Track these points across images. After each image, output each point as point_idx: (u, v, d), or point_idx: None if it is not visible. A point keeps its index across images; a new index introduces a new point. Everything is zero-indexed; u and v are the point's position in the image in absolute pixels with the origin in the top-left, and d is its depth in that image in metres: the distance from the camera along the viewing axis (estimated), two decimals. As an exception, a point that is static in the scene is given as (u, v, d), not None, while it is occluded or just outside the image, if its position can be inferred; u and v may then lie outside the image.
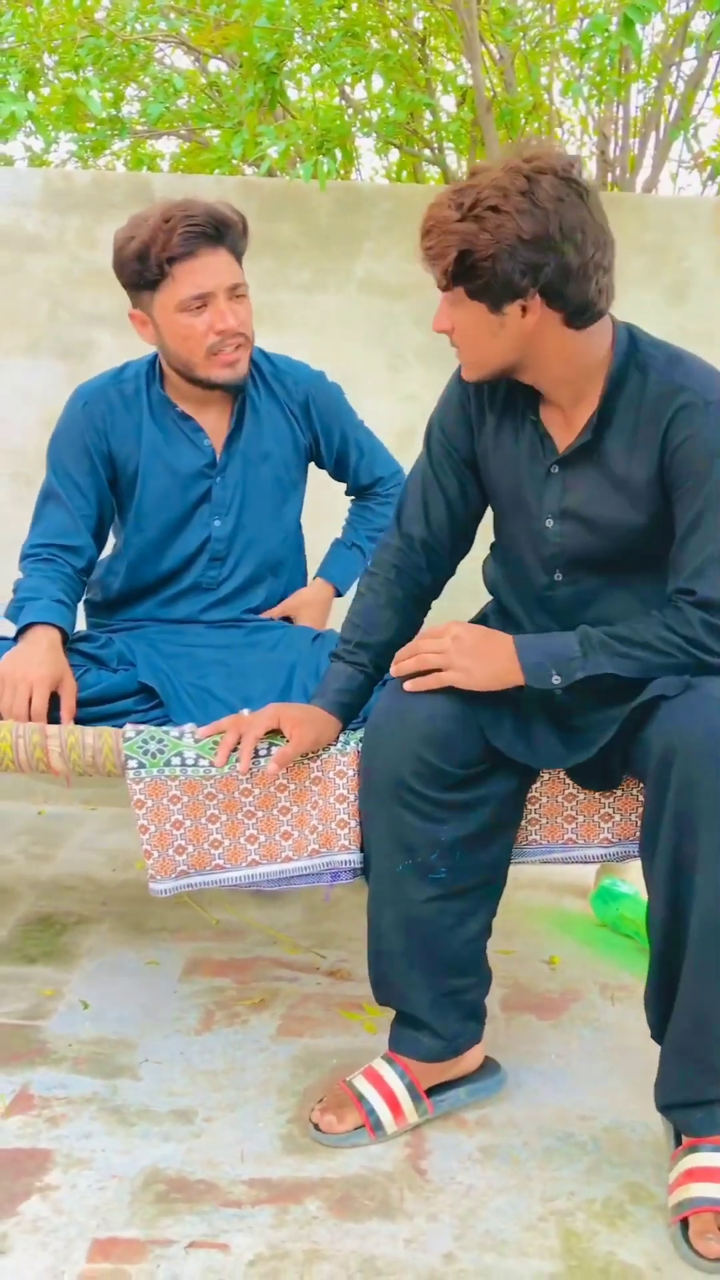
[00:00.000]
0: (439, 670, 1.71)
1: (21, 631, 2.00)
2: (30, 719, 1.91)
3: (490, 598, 1.98)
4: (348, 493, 2.44)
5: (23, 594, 2.05)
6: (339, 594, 2.38)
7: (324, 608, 2.36)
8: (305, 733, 1.80)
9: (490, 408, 1.81)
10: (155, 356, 2.17)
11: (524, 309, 1.60)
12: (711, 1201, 1.56)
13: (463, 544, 1.92)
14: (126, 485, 2.16)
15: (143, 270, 2.01)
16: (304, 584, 2.35)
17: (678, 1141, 1.67)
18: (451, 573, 1.94)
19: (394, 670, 1.76)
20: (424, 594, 1.92)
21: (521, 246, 1.55)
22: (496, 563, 1.93)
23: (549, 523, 1.76)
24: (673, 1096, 1.67)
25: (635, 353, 1.69)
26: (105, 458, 2.14)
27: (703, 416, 1.62)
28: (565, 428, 1.74)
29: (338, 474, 2.37)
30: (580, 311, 1.62)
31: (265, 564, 2.23)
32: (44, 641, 1.97)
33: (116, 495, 2.19)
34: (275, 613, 2.28)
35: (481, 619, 1.96)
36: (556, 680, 1.67)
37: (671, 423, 1.64)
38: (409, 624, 1.91)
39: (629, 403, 1.68)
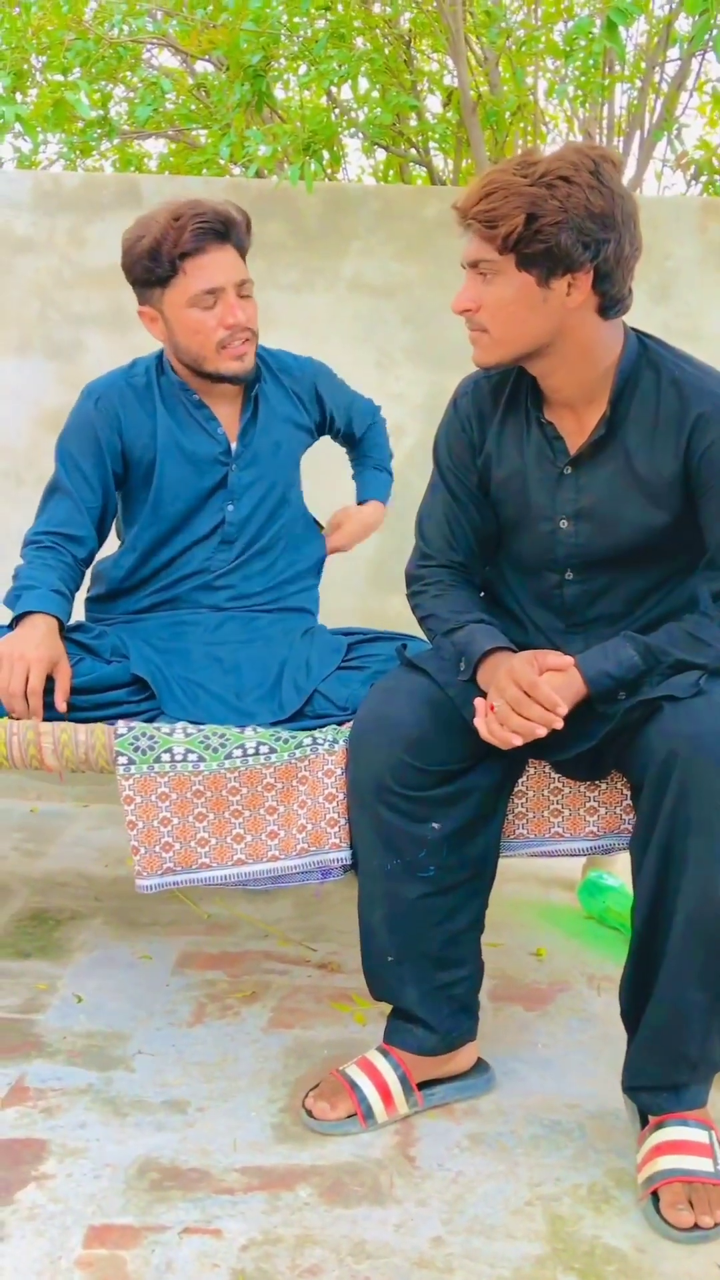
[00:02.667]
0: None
1: (18, 618, 2.03)
2: (26, 697, 1.95)
3: None
4: (349, 446, 2.51)
5: (22, 581, 2.08)
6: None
7: (369, 526, 2.43)
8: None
9: (489, 421, 1.82)
10: (163, 351, 2.20)
11: (570, 285, 1.61)
12: (679, 1172, 1.60)
13: (491, 555, 1.93)
14: (142, 476, 2.18)
15: (154, 267, 2.05)
16: (319, 553, 2.36)
17: (643, 1122, 1.70)
18: (481, 580, 1.95)
19: (498, 739, 1.69)
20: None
21: (588, 219, 1.57)
22: (492, 564, 1.95)
23: (563, 524, 1.77)
24: (641, 1080, 1.70)
25: (645, 351, 1.73)
26: (117, 453, 2.16)
27: None
28: (576, 428, 1.76)
29: (343, 439, 2.46)
30: (615, 302, 1.65)
31: (275, 540, 2.26)
32: (41, 627, 2.01)
33: (128, 490, 2.21)
34: (331, 534, 2.39)
35: None
36: (621, 695, 1.69)
37: (695, 428, 1.67)
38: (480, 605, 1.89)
39: (644, 400, 1.71)
